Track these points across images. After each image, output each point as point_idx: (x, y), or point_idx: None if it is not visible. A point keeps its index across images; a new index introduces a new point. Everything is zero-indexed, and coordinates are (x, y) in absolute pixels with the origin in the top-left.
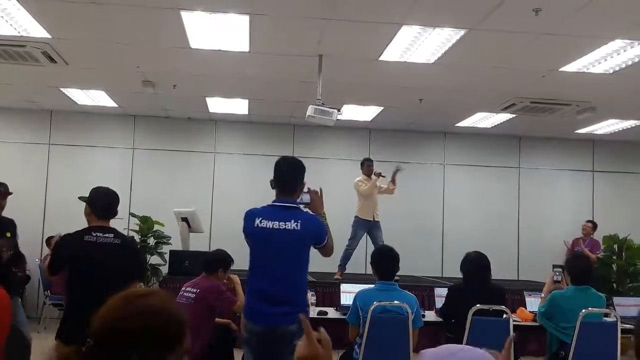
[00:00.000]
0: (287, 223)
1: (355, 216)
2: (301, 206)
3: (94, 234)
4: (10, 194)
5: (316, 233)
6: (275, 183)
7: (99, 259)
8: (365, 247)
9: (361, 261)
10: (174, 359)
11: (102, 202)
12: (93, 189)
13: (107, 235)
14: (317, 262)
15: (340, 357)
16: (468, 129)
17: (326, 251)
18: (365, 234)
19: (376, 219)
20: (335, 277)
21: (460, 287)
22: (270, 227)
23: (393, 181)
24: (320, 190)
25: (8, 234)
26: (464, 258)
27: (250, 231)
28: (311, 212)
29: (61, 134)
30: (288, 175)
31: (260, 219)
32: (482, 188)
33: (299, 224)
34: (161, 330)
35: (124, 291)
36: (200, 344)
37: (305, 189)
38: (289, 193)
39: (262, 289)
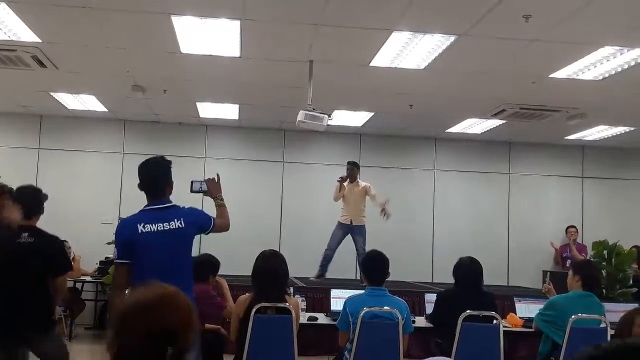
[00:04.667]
0: (170, 223)
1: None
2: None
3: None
4: None
5: (199, 224)
6: (145, 186)
7: (9, 260)
8: (355, 253)
9: (351, 266)
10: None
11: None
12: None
13: (22, 234)
14: (308, 269)
15: None
16: (458, 135)
17: (220, 230)
18: (349, 237)
19: (355, 224)
20: (312, 277)
21: (450, 293)
22: (156, 230)
23: (382, 211)
24: (218, 176)
25: None
26: (457, 263)
27: (135, 238)
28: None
29: (51, 139)
30: (157, 176)
31: (143, 224)
32: (472, 194)
33: (182, 221)
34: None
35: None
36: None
37: (202, 179)
38: (162, 194)
39: None
